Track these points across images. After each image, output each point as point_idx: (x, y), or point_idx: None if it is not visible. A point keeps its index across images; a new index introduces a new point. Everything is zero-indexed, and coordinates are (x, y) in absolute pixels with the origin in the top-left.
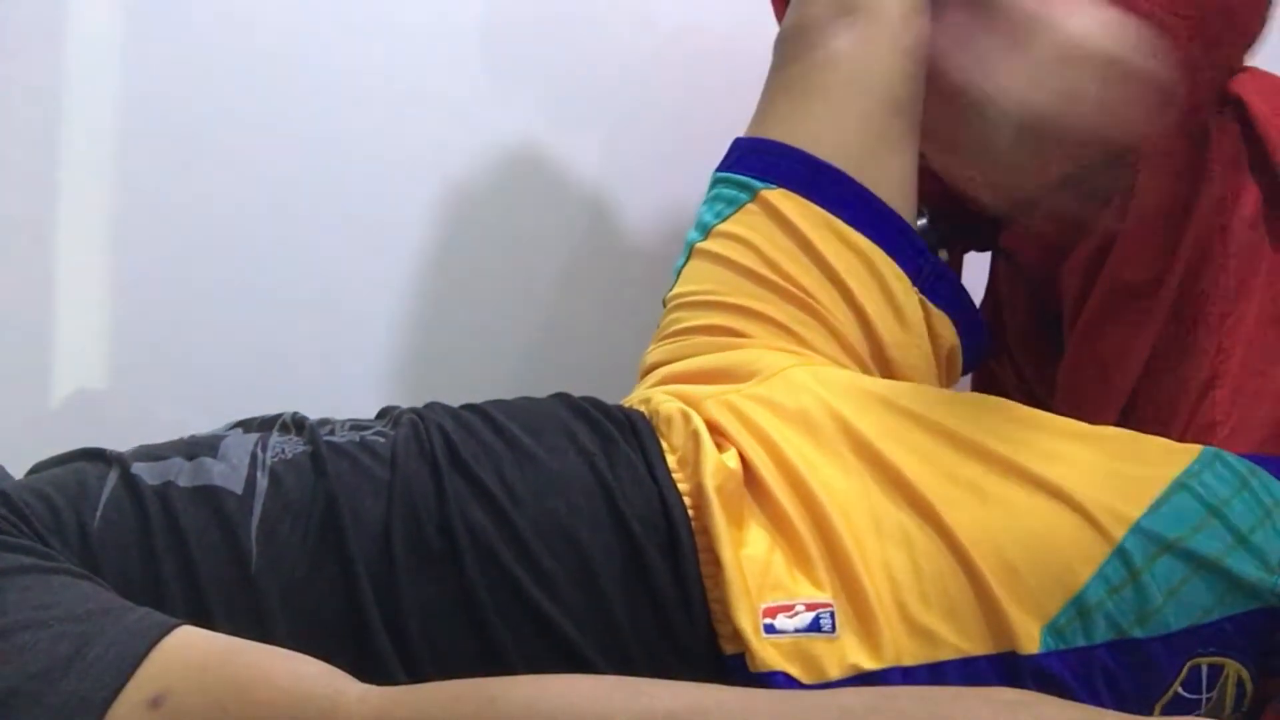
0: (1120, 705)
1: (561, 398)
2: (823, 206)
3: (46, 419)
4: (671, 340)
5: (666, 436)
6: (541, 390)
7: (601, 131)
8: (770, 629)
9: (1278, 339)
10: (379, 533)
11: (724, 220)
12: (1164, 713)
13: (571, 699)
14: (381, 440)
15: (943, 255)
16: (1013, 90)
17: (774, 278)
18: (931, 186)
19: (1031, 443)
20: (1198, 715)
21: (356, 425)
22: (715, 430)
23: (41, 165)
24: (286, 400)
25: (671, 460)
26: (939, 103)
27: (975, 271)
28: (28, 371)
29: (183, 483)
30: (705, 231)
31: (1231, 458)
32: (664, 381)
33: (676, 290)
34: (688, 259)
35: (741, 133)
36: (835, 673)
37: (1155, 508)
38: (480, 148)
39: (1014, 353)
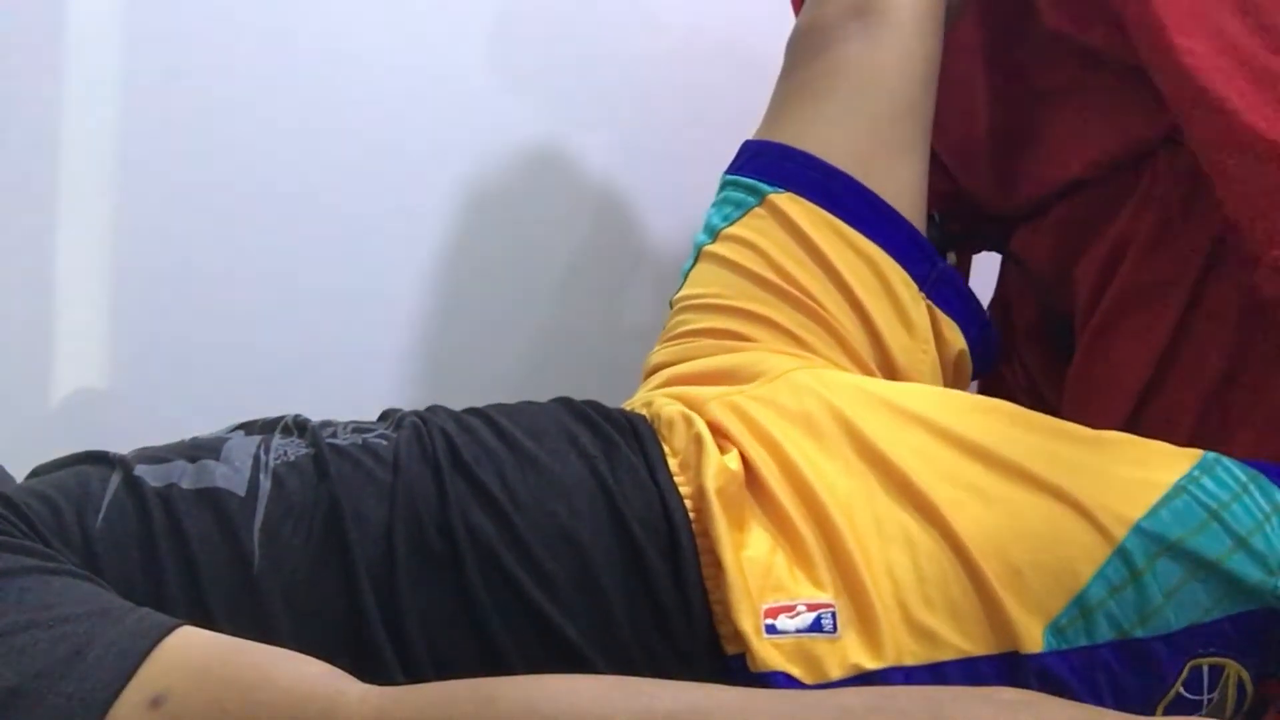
0: (1122, 705)
1: (563, 402)
2: (830, 211)
3: (47, 419)
4: (677, 342)
5: (668, 440)
6: (546, 392)
7: (608, 133)
8: (772, 629)
9: None
10: (381, 535)
11: (731, 223)
12: (1166, 713)
13: (571, 699)
14: (384, 443)
15: (951, 258)
16: None
17: (780, 283)
18: (942, 186)
19: (1032, 445)
20: (1200, 716)
21: (359, 428)
22: (718, 431)
23: (41, 165)
24: (287, 401)
25: (673, 464)
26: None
27: (984, 273)
28: (28, 371)
29: (186, 485)
30: (713, 234)
31: (1232, 463)
32: (668, 383)
33: (683, 292)
34: (695, 261)
35: (750, 134)
36: (836, 673)
37: (1155, 510)
38: (485, 150)
39: (1022, 354)
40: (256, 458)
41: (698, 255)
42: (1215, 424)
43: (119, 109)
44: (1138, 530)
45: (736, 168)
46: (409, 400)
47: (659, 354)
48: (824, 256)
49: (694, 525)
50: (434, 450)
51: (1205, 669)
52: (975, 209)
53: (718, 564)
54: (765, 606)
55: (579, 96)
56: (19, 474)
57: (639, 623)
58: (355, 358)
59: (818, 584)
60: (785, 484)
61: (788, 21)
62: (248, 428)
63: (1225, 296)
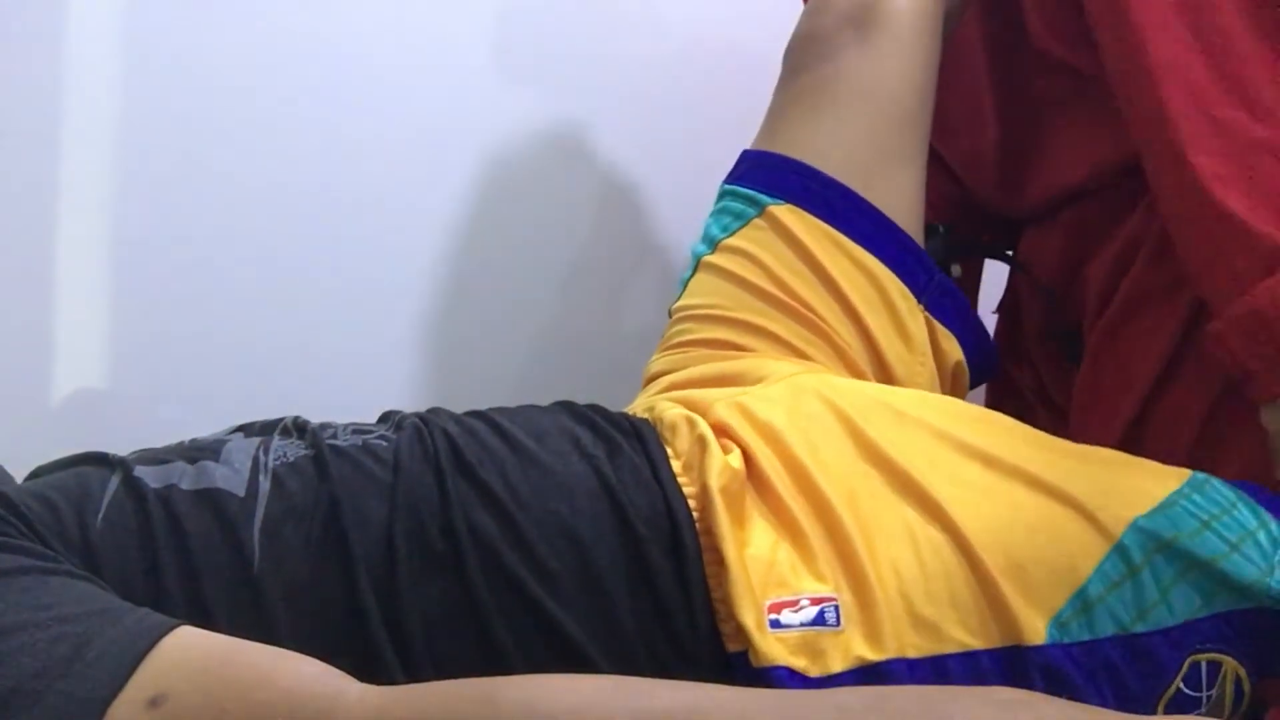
0: (1124, 701)
1: (565, 405)
2: (829, 224)
3: (47, 419)
4: (676, 351)
5: (671, 443)
6: (546, 395)
7: (610, 134)
8: (776, 624)
9: None
10: (382, 535)
11: (731, 235)
12: (1167, 710)
13: (571, 699)
14: (384, 444)
15: (955, 270)
16: None
17: (780, 295)
18: (950, 191)
19: (1031, 452)
20: (1199, 714)
21: (358, 429)
22: (723, 431)
23: (41, 165)
24: (287, 402)
25: (676, 465)
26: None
27: (991, 278)
28: (28, 371)
29: (185, 485)
30: (712, 245)
31: (1220, 483)
32: (670, 388)
33: (682, 302)
34: (694, 271)
35: (752, 137)
36: (839, 665)
37: (1152, 513)
38: (487, 150)
39: (1032, 355)
40: (256, 459)
41: (697, 265)
42: (1221, 425)
43: (119, 108)
44: (1135, 528)
45: (735, 177)
46: (410, 402)
47: (658, 362)
48: (823, 269)
49: (697, 524)
50: (435, 451)
51: (1204, 665)
52: (984, 213)
53: (721, 562)
54: (769, 602)
55: (580, 98)
56: (19, 474)
57: (641, 621)
58: (357, 360)
59: (820, 577)
60: (788, 478)
61: (791, 26)
62: (247, 430)
63: None
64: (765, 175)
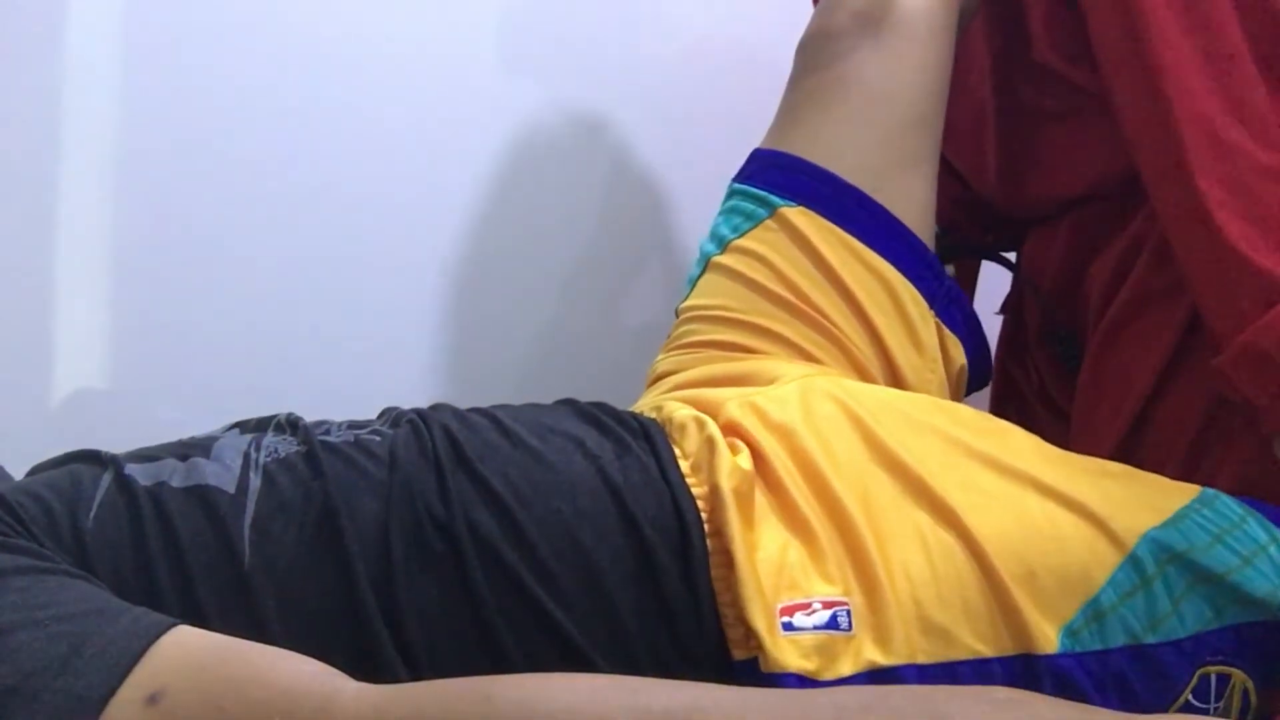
0: (1132, 711)
1: (570, 403)
2: (842, 227)
3: (46, 419)
4: (684, 351)
5: (679, 443)
6: (550, 393)
7: (614, 134)
8: (789, 627)
9: None
10: (376, 531)
11: (741, 235)
12: None
13: (569, 698)
14: (377, 439)
15: (949, 271)
16: None
17: (791, 298)
18: (956, 191)
19: (1044, 463)
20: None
21: (354, 425)
22: (734, 431)
23: (41, 165)
24: (288, 401)
25: (684, 465)
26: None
27: (988, 280)
28: (28, 371)
29: (176, 483)
30: (722, 245)
31: (1229, 499)
32: (678, 387)
33: (690, 302)
34: (703, 271)
35: (758, 138)
36: (849, 669)
37: (1164, 525)
38: (489, 149)
39: (1035, 357)
40: (247, 455)
41: (705, 265)
42: (1219, 428)
43: (119, 106)
44: (1149, 539)
45: (746, 177)
46: (412, 400)
47: (665, 362)
48: (835, 273)
49: (706, 525)
50: (434, 446)
51: (1213, 678)
52: (990, 212)
53: (729, 564)
54: (781, 605)
55: (585, 96)
56: (18, 474)
57: (645, 624)
58: (357, 358)
59: (830, 580)
60: (801, 481)
61: (798, 24)
62: (242, 426)
63: None
64: (777, 176)
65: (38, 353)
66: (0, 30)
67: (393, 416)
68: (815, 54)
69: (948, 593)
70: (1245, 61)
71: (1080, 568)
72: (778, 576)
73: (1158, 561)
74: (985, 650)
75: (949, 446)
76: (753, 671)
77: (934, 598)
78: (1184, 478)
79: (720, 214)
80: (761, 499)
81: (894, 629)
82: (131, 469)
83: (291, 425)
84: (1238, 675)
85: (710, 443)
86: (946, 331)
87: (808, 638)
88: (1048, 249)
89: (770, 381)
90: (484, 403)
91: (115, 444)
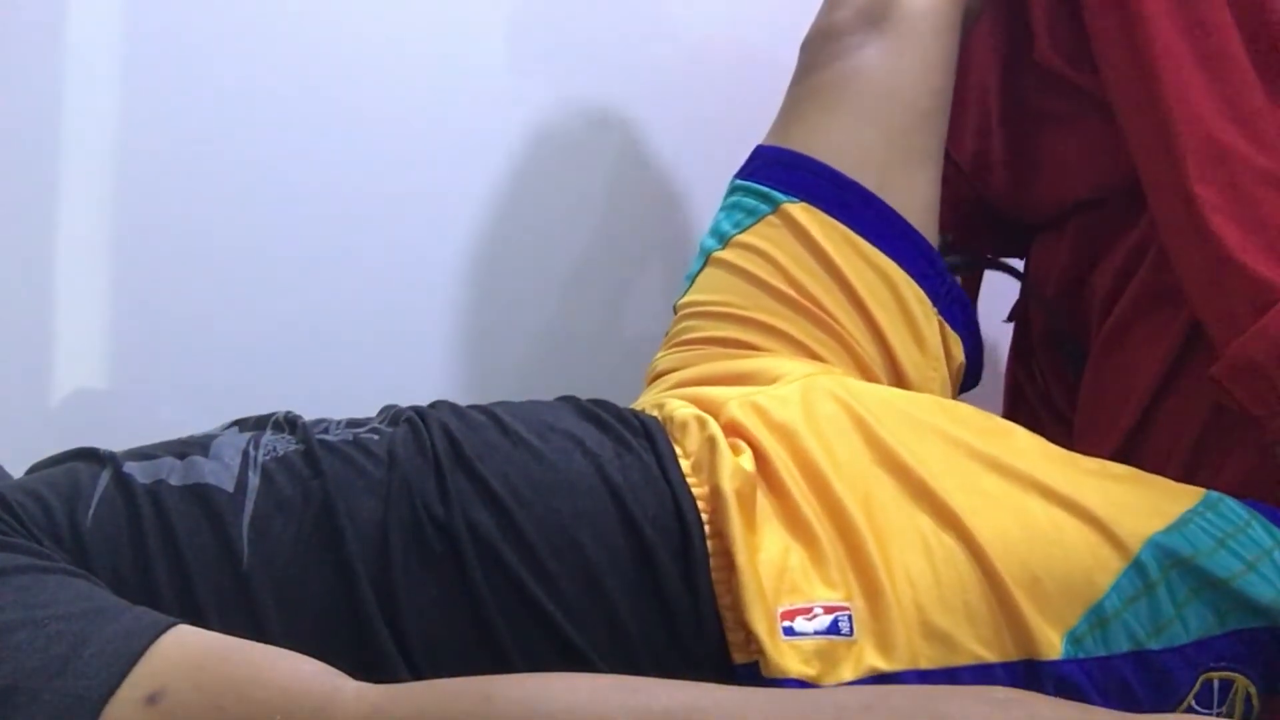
0: None
1: (570, 401)
2: (846, 224)
3: (46, 419)
4: (684, 349)
5: (680, 442)
6: (549, 392)
7: (615, 133)
8: (790, 631)
9: None
10: (375, 530)
11: (743, 231)
12: None
13: (569, 697)
14: (375, 438)
15: (953, 260)
16: None
17: (794, 295)
18: (963, 191)
19: (1048, 465)
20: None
21: (352, 423)
22: (735, 431)
23: (41, 165)
24: (288, 401)
25: (685, 465)
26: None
27: (1002, 286)
28: (28, 371)
29: (174, 481)
30: (723, 240)
31: (1233, 502)
32: (680, 385)
33: (690, 298)
34: (703, 266)
35: (759, 139)
36: (851, 675)
37: (1169, 530)
38: (492, 151)
39: (1039, 359)
40: (246, 453)
41: (706, 260)
42: (1220, 431)
43: (120, 104)
44: (1153, 544)
45: (748, 173)
46: (414, 398)
47: (665, 359)
48: (838, 269)
49: (707, 526)
50: (433, 445)
51: (1216, 683)
52: (996, 216)
53: (730, 567)
54: (781, 609)
55: (590, 96)
56: (18, 474)
57: (645, 625)
58: (358, 357)
59: (831, 584)
60: (803, 483)
61: (802, 24)
62: (241, 424)
63: None
64: (780, 172)
65: (38, 353)
66: (0, 30)
67: (391, 415)
68: (819, 51)
69: (950, 597)
70: (1243, 65)
71: (1084, 573)
72: (779, 580)
73: (1161, 567)
74: (988, 655)
75: (952, 448)
76: (754, 676)
77: (936, 602)
78: (1185, 480)
79: (722, 210)
80: (763, 501)
81: (896, 634)
82: (130, 467)
83: (290, 423)
84: (1240, 681)
85: (711, 442)
86: (948, 329)
87: (808, 643)
88: (1052, 254)
89: (772, 380)
90: (486, 400)
91: (115, 443)
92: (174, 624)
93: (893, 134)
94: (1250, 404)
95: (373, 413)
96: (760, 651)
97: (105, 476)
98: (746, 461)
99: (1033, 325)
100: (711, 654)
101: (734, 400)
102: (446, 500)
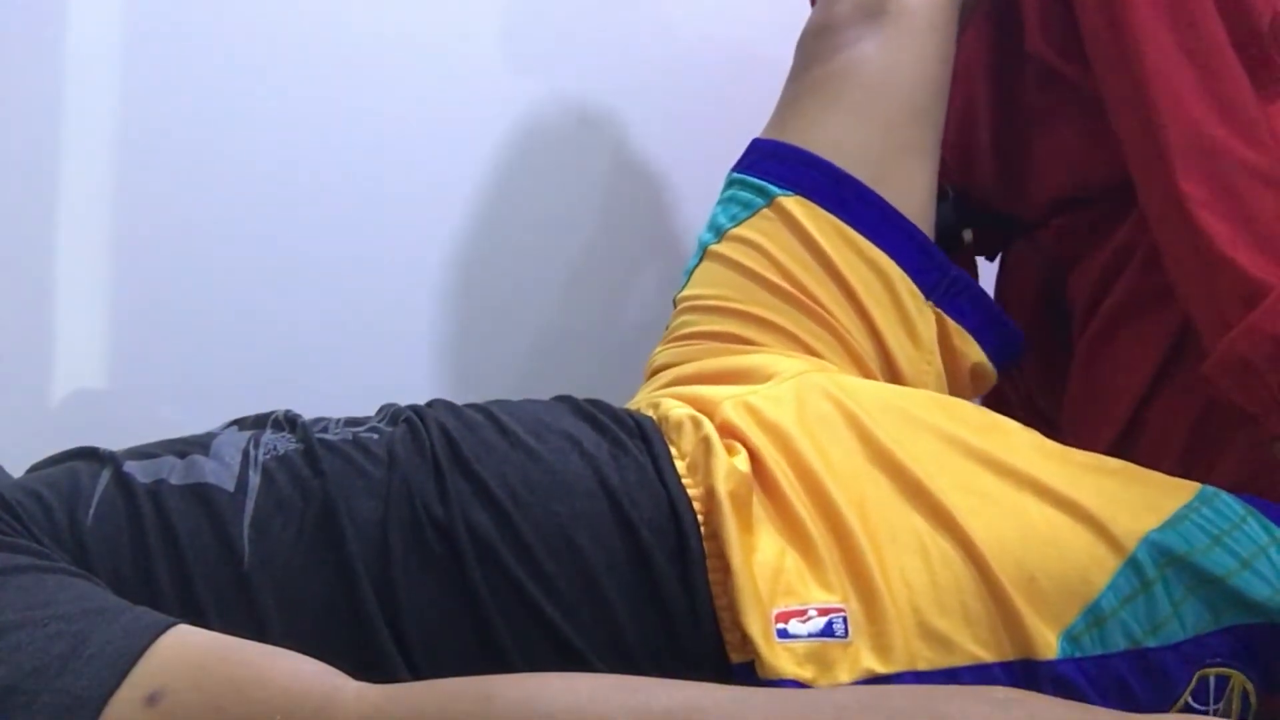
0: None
1: (567, 400)
2: (840, 217)
3: (46, 419)
4: (682, 344)
5: (676, 443)
6: (549, 388)
7: (614, 130)
8: (784, 634)
9: None
10: (376, 532)
11: (739, 224)
12: None
13: (568, 697)
14: (375, 436)
15: (967, 236)
16: None
17: (788, 288)
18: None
19: (1043, 461)
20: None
21: (351, 422)
22: (730, 432)
23: (41, 165)
24: (287, 400)
25: (680, 466)
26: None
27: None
28: (28, 371)
29: (175, 481)
30: (719, 234)
31: (1229, 497)
32: (675, 382)
33: (687, 292)
34: (700, 260)
35: (757, 136)
36: (847, 677)
37: (1163, 527)
38: (490, 149)
39: (1020, 362)
40: (246, 453)
41: (703, 254)
42: (1215, 427)
43: (119, 104)
44: (1148, 542)
45: (745, 166)
46: (413, 396)
47: (662, 354)
48: (831, 263)
49: (703, 528)
50: (432, 446)
51: (1212, 680)
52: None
53: (726, 568)
54: (776, 611)
55: (585, 93)
56: (18, 473)
57: (643, 627)
58: (358, 355)
59: (827, 587)
60: (798, 485)
61: (797, 22)
62: (240, 423)
63: None
64: (775, 166)
65: (38, 352)
66: (0, 30)
67: (390, 413)
68: (817, 45)
69: (947, 599)
70: (1231, 60)
71: (1080, 572)
72: (774, 582)
73: (1157, 565)
74: (985, 656)
75: (947, 445)
76: (751, 675)
77: (933, 604)
78: (1179, 476)
79: (718, 203)
80: (758, 503)
81: (893, 636)
82: (130, 467)
83: (290, 422)
84: (1237, 677)
85: (706, 443)
86: (951, 323)
87: (801, 645)
88: (1033, 255)
89: (767, 379)
90: (485, 396)
91: (115, 442)
92: (174, 624)
93: (889, 128)
94: (1244, 401)
95: (371, 410)
96: (755, 654)
97: (106, 476)
98: (741, 462)
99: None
100: (709, 654)
101: (728, 400)
102: (446, 501)
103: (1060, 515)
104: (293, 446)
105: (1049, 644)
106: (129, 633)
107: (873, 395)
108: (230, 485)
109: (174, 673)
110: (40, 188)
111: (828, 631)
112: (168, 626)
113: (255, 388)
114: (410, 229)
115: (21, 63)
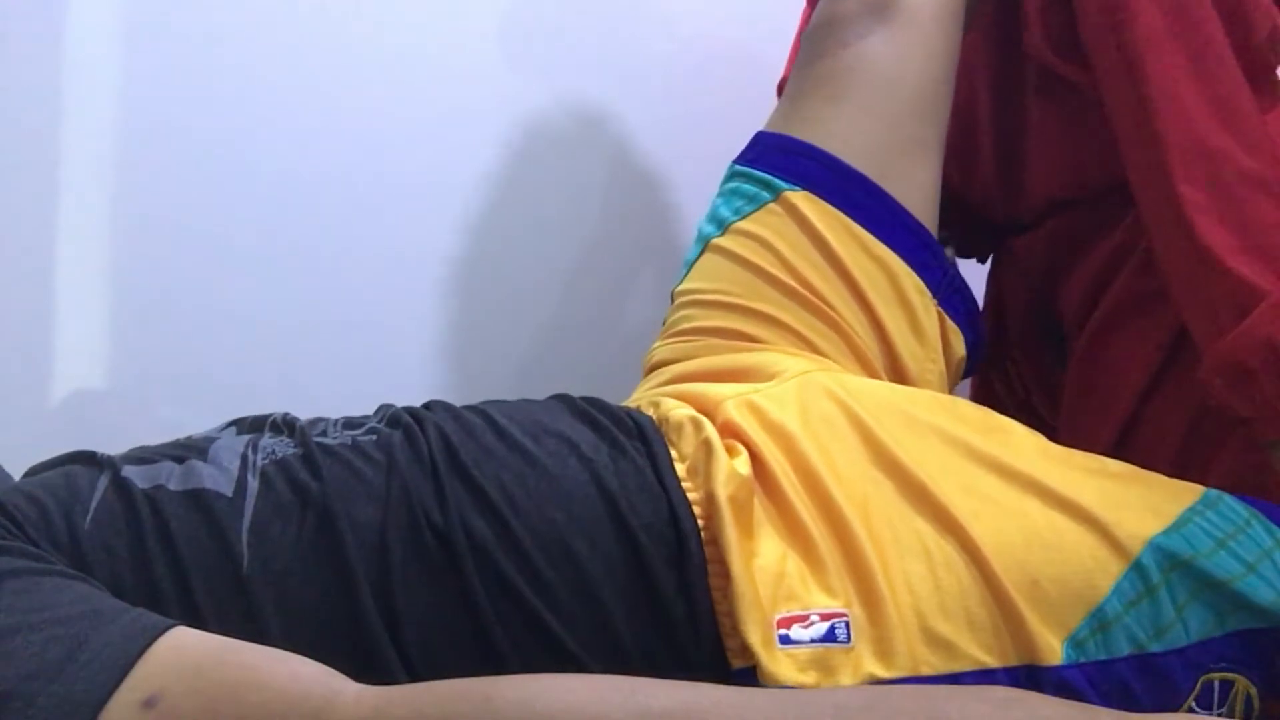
0: None
1: (565, 400)
2: (846, 213)
3: (46, 419)
4: (682, 339)
5: (676, 445)
6: (548, 386)
7: (614, 128)
8: (786, 640)
9: None
10: (375, 537)
11: (743, 218)
12: None
13: (567, 698)
14: (373, 439)
15: (948, 253)
16: None
17: (793, 284)
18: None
19: (1046, 464)
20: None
21: (349, 423)
22: (732, 432)
23: (41, 165)
24: (288, 397)
25: (680, 469)
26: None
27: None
28: (28, 371)
29: (173, 486)
30: (722, 227)
31: (1233, 500)
32: (676, 380)
33: (687, 285)
34: (701, 253)
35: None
36: (849, 683)
37: (1168, 531)
38: (489, 148)
39: (1017, 362)
40: (244, 457)
41: (704, 247)
42: (1210, 431)
43: (119, 109)
44: (1153, 546)
45: (749, 159)
46: (413, 395)
47: (662, 350)
48: (838, 259)
49: (703, 533)
50: (429, 450)
51: (1216, 684)
52: (976, 215)
53: (726, 574)
54: (778, 616)
55: (586, 92)
56: (17, 474)
57: (642, 633)
58: (357, 354)
59: (830, 591)
60: (800, 488)
61: (794, 22)
62: (238, 425)
63: None
64: (781, 159)
65: (38, 352)
66: (0, 30)
67: (389, 415)
68: (823, 40)
69: (950, 604)
70: (1231, 67)
71: (1084, 576)
72: (776, 587)
73: (1162, 569)
74: (990, 661)
75: (951, 448)
76: (752, 681)
77: (937, 609)
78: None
79: (720, 195)
80: (760, 506)
81: (896, 641)
82: (129, 471)
83: (288, 425)
84: (1241, 682)
85: (707, 445)
86: (948, 321)
87: (804, 651)
88: (1029, 256)
89: (770, 377)
90: (485, 393)
91: (114, 443)
92: (172, 626)
93: (895, 123)
94: (1238, 406)
95: (370, 408)
96: (755, 661)
97: (104, 481)
98: (743, 465)
99: (1009, 323)
100: (709, 660)
101: (730, 400)
102: (444, 507)
103: (1064, 519)
104: (291, 451)
105: (1053, 649)
106: (126, 635)
107: (876, 396)
108: (228, 490)
109: (172, 675)
110: (40, 188)
111: (830, 637)
112: (165, 629)
113: (254, 387)
114: (409, 227)
115: (21, 62)
